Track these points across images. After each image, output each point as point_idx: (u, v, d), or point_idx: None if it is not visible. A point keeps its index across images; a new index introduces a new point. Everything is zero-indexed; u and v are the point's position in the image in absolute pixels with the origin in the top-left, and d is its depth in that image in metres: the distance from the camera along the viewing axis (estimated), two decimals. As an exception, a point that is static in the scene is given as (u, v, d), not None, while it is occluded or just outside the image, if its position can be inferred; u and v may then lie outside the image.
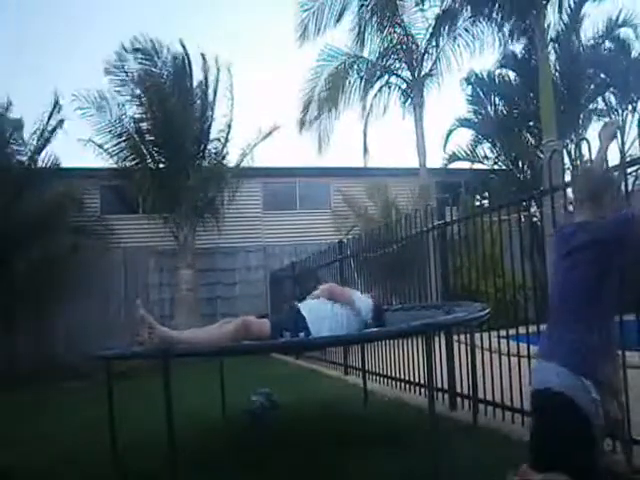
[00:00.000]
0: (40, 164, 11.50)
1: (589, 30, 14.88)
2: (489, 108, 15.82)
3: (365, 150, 14.84)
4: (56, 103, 11.39)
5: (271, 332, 3.33)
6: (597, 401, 2.20)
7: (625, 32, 14.48)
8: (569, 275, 2.45)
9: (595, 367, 2.27)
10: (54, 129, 11.48)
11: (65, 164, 11.84)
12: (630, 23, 14.19)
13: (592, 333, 2.31)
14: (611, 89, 15.11)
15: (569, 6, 13.39)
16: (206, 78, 11.98)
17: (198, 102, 11.98)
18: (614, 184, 2.56)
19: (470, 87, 15.90)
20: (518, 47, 14.75)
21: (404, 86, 14.41)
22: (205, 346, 3.25)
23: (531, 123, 14.99)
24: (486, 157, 15.96)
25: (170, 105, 11.13)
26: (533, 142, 15.19)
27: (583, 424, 2.17)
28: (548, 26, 12.68)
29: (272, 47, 38.63)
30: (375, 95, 14.59)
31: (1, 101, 11.22)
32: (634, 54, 14.58)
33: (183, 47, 11.76)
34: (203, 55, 11.95)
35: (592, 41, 14.74)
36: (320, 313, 3.51)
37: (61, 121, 11.48)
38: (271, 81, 35.14)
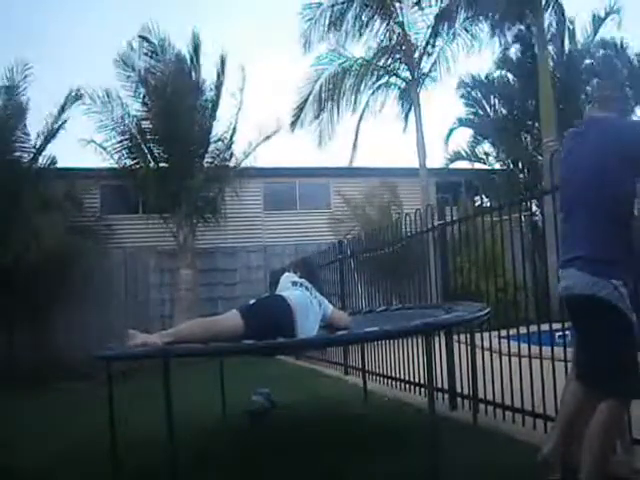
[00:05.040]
0: (40, 164, 11.49)
1: (579, 31, 15.10)
2: (488, 109, 15.85)
3: (354, 147, 14.83)
4: (64, 105, 11.36)
5: (245, 323, 3.20)
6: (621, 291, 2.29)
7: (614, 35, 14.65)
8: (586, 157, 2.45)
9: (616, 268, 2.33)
10: (57, 129, 11.46)
11: (65, 164, 11.85)
12: (614, 11, 14.27)
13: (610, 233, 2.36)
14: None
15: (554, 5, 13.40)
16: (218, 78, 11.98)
17: (203, 102, 11.99)
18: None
19: (466, 90, 15.95)
20: (516, 48, 14.88)
21: (403, 86, 14.43)
22: (204, 346, 3.23)
23: (531, 123, 15.03)
24: (486, 156, 16.00)
25: (174, 104, 11.13)
26: (533, 142, 15.22)
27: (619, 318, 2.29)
28: (549, 26, 12.72)
29: (272, 44, 38.66)
30: (373, 93, 14.61)
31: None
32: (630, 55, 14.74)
33: (195, 45, 11.77)
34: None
35: (581, 42, 14.94)
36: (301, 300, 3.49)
37: (64, 122, 11.45)
38: (270, 78, 35.16)
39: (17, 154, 11.22)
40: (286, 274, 3.95)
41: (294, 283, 3.76)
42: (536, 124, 14.24)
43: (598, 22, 14.59)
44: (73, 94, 11.36)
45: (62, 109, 11.33)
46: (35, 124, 11.66)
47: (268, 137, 12.25)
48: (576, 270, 2.40)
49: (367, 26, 13.57)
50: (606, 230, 2.37)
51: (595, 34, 14.76)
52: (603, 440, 2.29)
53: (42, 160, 11.48)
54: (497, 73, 15.62)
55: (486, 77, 15.65)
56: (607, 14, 14.37)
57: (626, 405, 2.41)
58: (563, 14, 13.83)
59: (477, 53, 13.89)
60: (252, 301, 3.53)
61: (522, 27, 13.51)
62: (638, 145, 2.41)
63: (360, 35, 13.70)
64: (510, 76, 15.53)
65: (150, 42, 11.49)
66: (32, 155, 11.35)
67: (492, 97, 15.76)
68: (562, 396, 2.71)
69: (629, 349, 2.31)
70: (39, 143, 11.36)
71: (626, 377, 2.30)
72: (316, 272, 4.38)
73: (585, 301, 2.37)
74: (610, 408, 2.28)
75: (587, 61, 14.84)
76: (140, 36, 11.42)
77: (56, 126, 11.36)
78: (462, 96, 16.03)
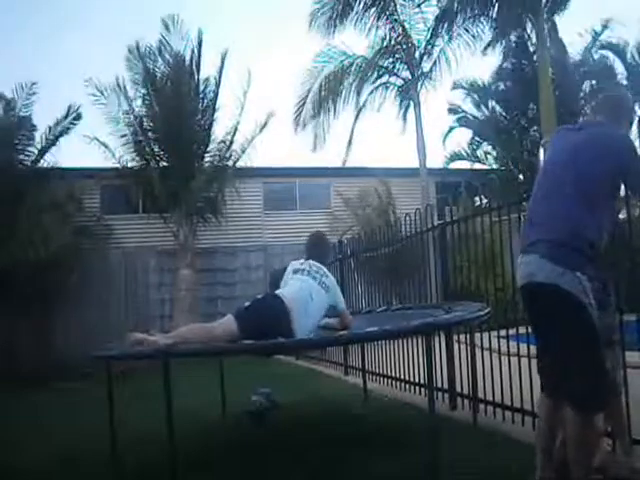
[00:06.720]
0: (41, 164, 11.49)
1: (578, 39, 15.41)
2: (487, 112, 15.90)
3: (349, 144, 14.70)
4: (68, 111, 11.36)
5: (239, 326, 3.18)
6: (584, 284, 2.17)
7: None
8: (580, 151, 2.34)
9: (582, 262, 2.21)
10: (61, 134, 11.45)
11: (65, 164, 11.84)
12: (611, 28, 14.83)
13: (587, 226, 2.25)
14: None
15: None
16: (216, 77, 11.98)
17: (205, 102, 11.98)
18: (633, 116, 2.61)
19: (464, 92, 16.04)
20: (515, 51, 14.93)
21: (403, 86, 14.42)
22: (204, 346, 3.23)
23: (529, 125, 15.07)
24: (486, 156, 16.03)
25: (175, 103, 11.12)
26: (532, 143, 15.23)
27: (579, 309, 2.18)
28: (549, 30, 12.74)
29: (271, 43, 38.67)
30: (372, 92, 14.59)
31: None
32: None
33: (199, 44, 11.78)
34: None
35: (582, 51, 15.13)
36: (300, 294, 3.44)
37: (67, 128, 11.45)
38: (270, 78, 35.16)
39: (20, 157, 11.23)
40: (292, 262, 3.81)
41: (295, 271, 3.64)
42: (534, 124, 14.31)
43: (596, 35, 15.07)
44: (73, 113, 11.40)
45: (65, 117, 11.38)
46: (40, 122, 11.57)
47: (264, 126, 12.16)
48: (539, 257, 2.24)
49: (367, 21, 13.59)
50: (582, 220, 2.23)
51: (594, 42, 15.09)
52: (583, 451, 2.22)
53: (44, 163, 11.49)
54: (497, 74, 15.65)
55: (484, 84, 15.72)
56: (604, 27, 14.90)
57: (594, 416, 2.25)
58: (555, 25, 13.90)
59: (477, 54, 13.77)
60: (247, 303, 3.48)
61: (519, 30, 13.59)
62: (630, 167, 2.33)
63: (361, 31, 13.73)
64: (508, 81, 15.59)
65: (162, 47, 11.56)
66: (34, 158, 11.35)
67: (490, 100, 15.82)
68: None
69: (590, 347, 2.18)
70: (41, 147, 11.36)
71: (589, 385, 2.15)
72: (321, 245, 4.02)
73: (548, 291, 2.21)
74: (581, 420, 2.18)
75: (585, 68, 15.03)
76: (159, 46, 11.55)
77: (57, 132, 11.39)
78: (454, 111, 16.17)
